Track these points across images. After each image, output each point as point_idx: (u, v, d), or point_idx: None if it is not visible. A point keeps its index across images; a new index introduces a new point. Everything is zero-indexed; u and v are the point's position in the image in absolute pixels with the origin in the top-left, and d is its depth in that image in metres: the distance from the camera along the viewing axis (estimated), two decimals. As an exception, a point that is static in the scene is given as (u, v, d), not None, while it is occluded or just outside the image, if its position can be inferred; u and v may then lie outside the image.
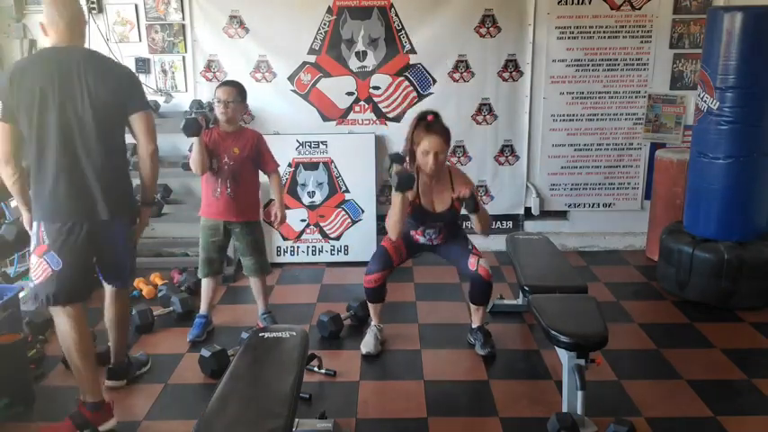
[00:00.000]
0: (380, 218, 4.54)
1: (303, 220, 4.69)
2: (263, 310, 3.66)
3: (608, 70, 4.69)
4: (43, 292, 2.62)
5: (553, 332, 2.65)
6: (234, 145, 3.36)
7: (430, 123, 3.12)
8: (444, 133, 3.13)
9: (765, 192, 3.86)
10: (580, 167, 4.89)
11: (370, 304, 3.46)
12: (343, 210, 4.69)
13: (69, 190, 2.59)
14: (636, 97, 4.75)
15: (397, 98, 4.69)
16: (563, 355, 2.73)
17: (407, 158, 3.24)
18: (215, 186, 3.40)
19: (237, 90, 3.39)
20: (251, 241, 3.51)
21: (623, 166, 4.89)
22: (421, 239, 3.36)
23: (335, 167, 4.64)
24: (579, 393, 2.62)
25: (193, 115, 3.30)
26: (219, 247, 3.52)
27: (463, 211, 3.26)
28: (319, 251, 4.73)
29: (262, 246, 3.58)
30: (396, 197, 3.05)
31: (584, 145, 4.84)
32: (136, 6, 4.54)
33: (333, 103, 4.70)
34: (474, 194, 3.09)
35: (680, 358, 3.31)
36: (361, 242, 4.70)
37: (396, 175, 3.01)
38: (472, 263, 3.28)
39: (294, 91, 4.68)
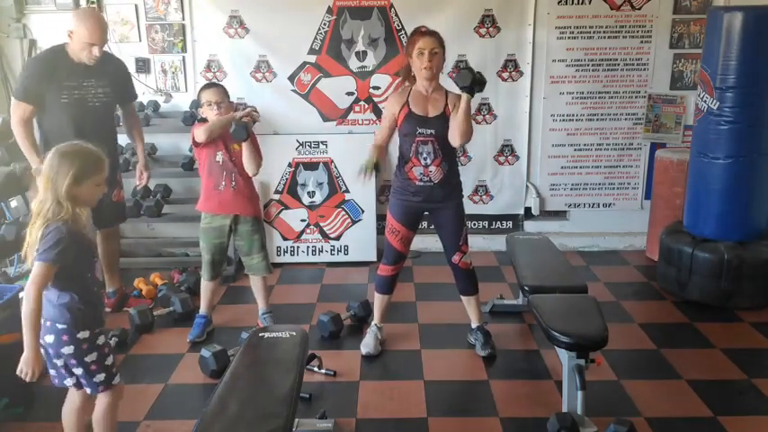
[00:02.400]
0: (380, 218, 4.54)
1: (303, 220, 4.69)
2: (263, 309, 3.66)
3: (608, 70, 4.69)
4: None
5: (553, 332, 2.65)
6: (233, 141, 3.36)
7: (424, 31, 3.16)
8: (439, 36, 3.14)
9: (765, 192, 3.86)
10: (580, 167, 4.89)
11: (378, 296, 3.45)
12: (344, 210, 4.69)
13: None
14: (636, 97, 4.75)
15: (397, 98, 4.68)
16: (563, 355, 2.73)
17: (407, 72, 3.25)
18: (219, 180, 3.40)
19: (224, 90, 3.42)
20: (258, 238, 3.52)
21: (623, 166, 4.89)
22: (417, 173, 3.18)
23: (335, 167, 4.64)
24: (579, 393, 2.62)
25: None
26: (224, 248, 3.53)
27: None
28: (319, 251, 4.72)
29: (265, 243, 3.60)
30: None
31: (585, 145, 4.84)
32: (136, 6, 4.54)
33: (333, 103, 4.70)
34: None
35: (680, 358, 3.31)
36: (361, 242, 4.70)
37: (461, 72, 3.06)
38: (455, 259, 3.30)
39: (294, 91, 4.68)
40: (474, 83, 3.01)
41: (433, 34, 3.13)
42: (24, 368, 2.15)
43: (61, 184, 2.12)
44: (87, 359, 2.24)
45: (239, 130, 3.21)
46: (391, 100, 3.30)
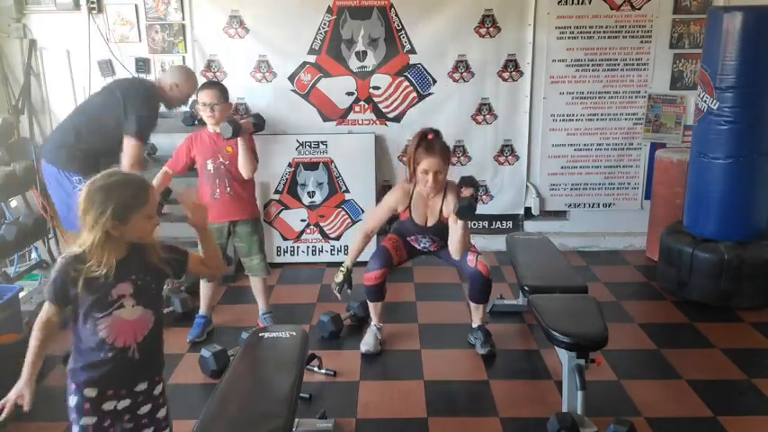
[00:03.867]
0: (380, 218, 4.54)
1: (303, 220, 4.69)
2: (263, 309, 3.66)
3: (608, 70, 4.69)
4: None
5: (553, 332, 2.65)
6: (226, 144, 3.35)
7: (429, 142, 3.14)
8: (444, 152, 3.16)
9: (765, 192, 3.86)
10: (580, 167, 4.89)
11: (370, 303, 3.46)
12: (344, 210, 4.69)
13: None
14: (636, 97, 4.75)
15: (397, 98, 4.68)
16: (563, 355, 2.73)
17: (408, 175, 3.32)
18: (213, 188, 3.39)
19: (220, 91, 3.37)
20: (257, 240, 3.52)
21: (623, 166, 4.89)
22: (418, 246, 3.42)
23: (335, 167, 4.64)
24: (579, 393, 2.62)
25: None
26: (222, 249, 3.53)
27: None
28: (319, 251, 4.72)
29: (264, 244, 3.60)
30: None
31: (585, 145, 4.84)
32: (136, 6, 4.53)
33: (333, 103, 4.70)
34: (474, 196, 3.06)
35: (680, 358, 3.31)
36: (361, 242, 4.70)
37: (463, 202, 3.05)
38: (471, 260, 3.29)
39: (294, 91, 4.67)
40: (473, 211, 3.07)
41: (440, 153, 3.13)
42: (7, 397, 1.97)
43: (98, 220, 1.83)
44: (67, 398, 2.02)
45: (226, 127, 3.19)
46: (396, 195, 3.34)
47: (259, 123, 3.45)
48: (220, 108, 3.32)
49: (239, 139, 3.26)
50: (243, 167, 3.33)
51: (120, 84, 3.67)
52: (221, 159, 3.36)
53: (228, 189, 3.38)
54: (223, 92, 3.38)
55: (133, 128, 3.41)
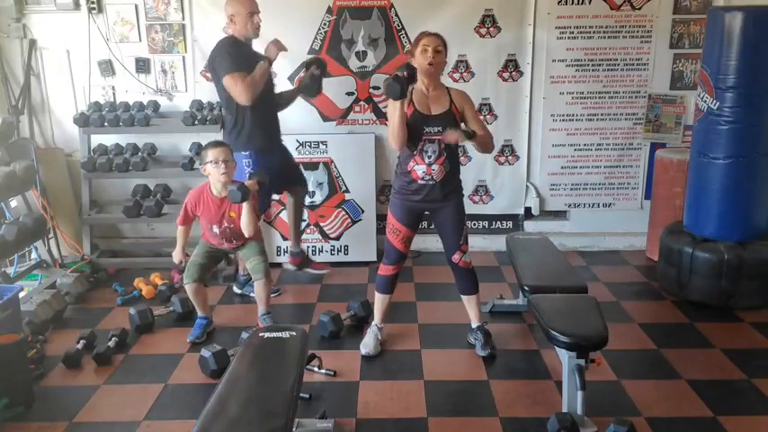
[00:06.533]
0: (380, 218, 4.54)
1: (303, 221, 4.69)
2: (263, 310, 3.65)
3: (608, 70, 4.69)
4: None
5: (553, 332, 2.65)
6: (230, 209, 3.45)
7: (428, 32, 3.22)
8: (442, 38, 3.19)
9: (765, 192, 3.86)
10: (580, 167, 4.89)
11: (378, 296, 3.45)
12: (344, 210, 4.69)
13: None
14: (636, 97, 4.75)
15: (397, 98, 4.68)
16: (563, 355, 2.73)
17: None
18: (219, 242, 3.54)
19: (229, 148, 3.47)
20: (255, 245, 3.58)
21: (623, 166, 4.89)
22: (420, 171, 3.17)
23: (335, 167, 4.64)
24: (579, 393, 2.62)
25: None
26: (217, 259, 3.62)
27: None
28: (319, 251, 4.72)
29: (264, 249, 3.63)
30: (390, 105, 3.09)
31: (585, 145, 4.84)
32: (136, 6, 4.54)
33: (333, 103, 4.70)
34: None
35: (680, 358, 3.31)
36: (361, 242, 4.70)
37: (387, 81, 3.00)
38: (456, 258, 3.31)
39: (294, 91, 4.67)
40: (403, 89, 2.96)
41: (438, 35, 3.19)
42: None
43: None
44: None
45: (234, 192, 3.27)
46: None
47: (264, 182, 3.50)
48: (231, 165, 3.42)
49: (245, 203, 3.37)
50: (245, 228, 3.43)
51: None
52: (226, 224, 3.49)
53: (234, 242, 3.55)
54: (229, 150, 3.47)
55: (224, 67, 3.58)
